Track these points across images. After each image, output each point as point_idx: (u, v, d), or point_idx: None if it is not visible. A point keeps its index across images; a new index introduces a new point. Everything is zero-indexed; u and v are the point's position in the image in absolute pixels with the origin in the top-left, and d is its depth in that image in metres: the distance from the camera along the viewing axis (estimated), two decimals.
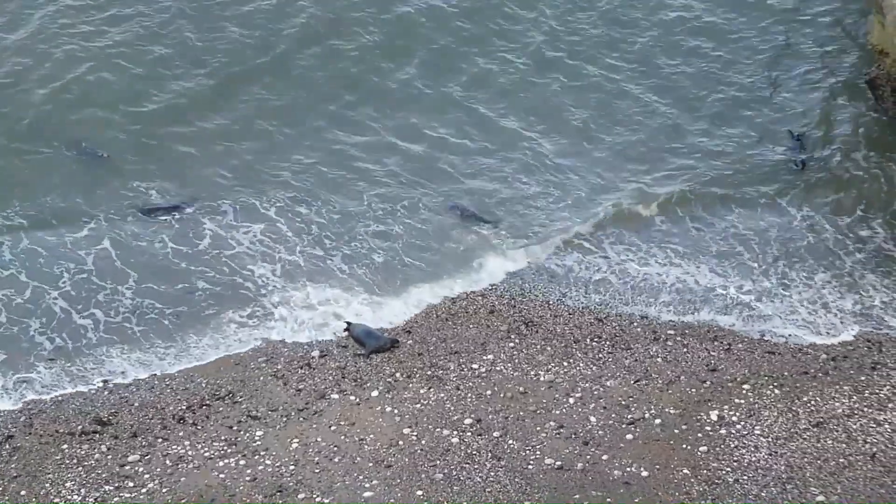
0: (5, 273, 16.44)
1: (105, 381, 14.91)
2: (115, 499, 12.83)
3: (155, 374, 15.07)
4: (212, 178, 18.52)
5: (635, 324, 15.83)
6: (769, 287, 16.73)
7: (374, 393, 14.47)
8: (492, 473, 12.96)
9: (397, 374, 14.83)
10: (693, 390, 14.27)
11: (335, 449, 13.41)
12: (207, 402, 14.45)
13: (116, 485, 13.06)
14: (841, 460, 13.01)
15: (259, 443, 13.62)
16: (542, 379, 14.59)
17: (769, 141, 19.78)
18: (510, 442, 13.44)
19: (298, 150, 19.27)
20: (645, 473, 12.90)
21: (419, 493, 12.69)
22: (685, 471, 12.91)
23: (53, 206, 17.66)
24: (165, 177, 18.51)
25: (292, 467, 13.17)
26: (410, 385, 14.59)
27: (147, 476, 13.16)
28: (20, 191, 17.89)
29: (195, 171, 18.69)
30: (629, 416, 13.81)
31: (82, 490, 13.00)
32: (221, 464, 13.28)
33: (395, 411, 14.04)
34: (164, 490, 12.91)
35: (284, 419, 14.06)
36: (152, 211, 17.77)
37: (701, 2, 22.86)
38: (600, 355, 15.09)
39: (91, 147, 18.80)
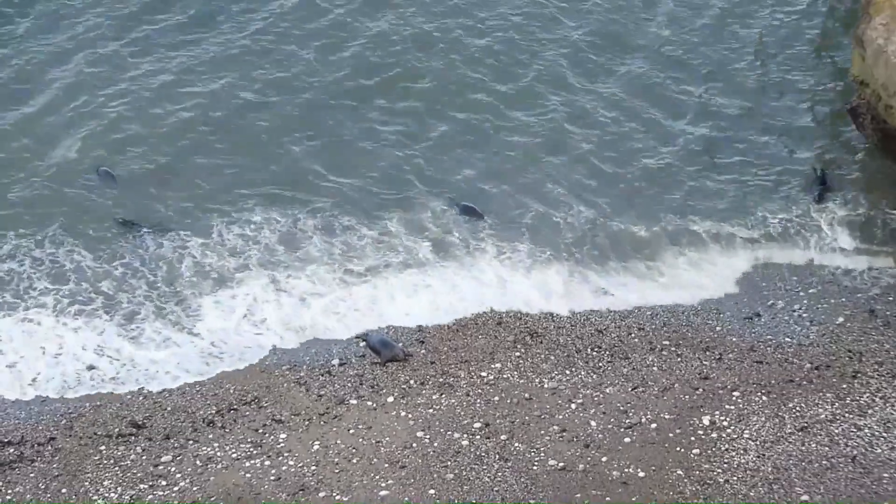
0: None
1: (140, 388, 15.42)
2: (149, 496, 13.34)
3: (186, 381, 15.54)
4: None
5: (633, 335, 16.12)
6: (762, 299, 16.92)
7: (390, 399, 14.91)
8: (499, 474, 13.38)
9: (411, 381, 15.27)
10: (686, 397, 14.63)
11: (353, 451, 13.88)
12: (235, 406, 14.93)
13: (150, 483, 13.60)
14: (824, 462, 13.36)
15: (283, 445, 14.10)
16: (545, 386, 15.00)
17: (765, 169, 19.74)
18: (516, 444, 13.84)
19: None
20: (641, 474, 13.29)
21: (431, 491, 13.14)
22: (679, 472, 13.30)
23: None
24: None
25: (314, 468, 13.64)
26: (423, 391, 15.02)
27: (179, 475, 13.68)
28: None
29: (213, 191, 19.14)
30: (627, 421, 14.18)
31: (119, 488, 13.54)
32: (248, 464, 13.78)
33: (410, 416, 14.51)
34: (194, 488, 13.41)
35: (306, 423, 14.51)
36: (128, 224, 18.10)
37: (687, 34, 22.87)
38: (600, 364, 15.45)
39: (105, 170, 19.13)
